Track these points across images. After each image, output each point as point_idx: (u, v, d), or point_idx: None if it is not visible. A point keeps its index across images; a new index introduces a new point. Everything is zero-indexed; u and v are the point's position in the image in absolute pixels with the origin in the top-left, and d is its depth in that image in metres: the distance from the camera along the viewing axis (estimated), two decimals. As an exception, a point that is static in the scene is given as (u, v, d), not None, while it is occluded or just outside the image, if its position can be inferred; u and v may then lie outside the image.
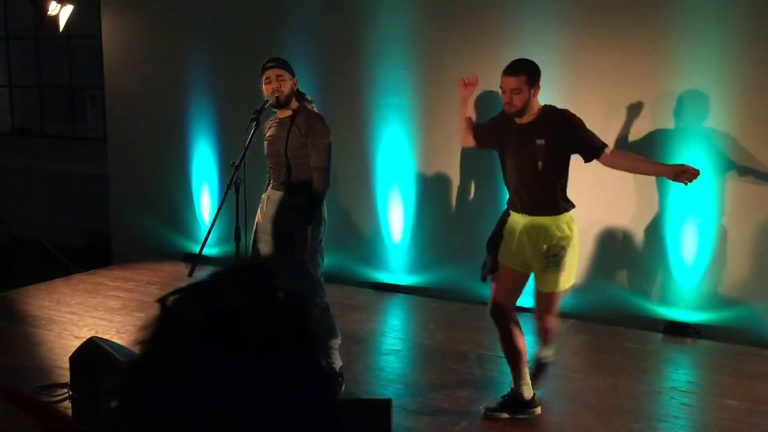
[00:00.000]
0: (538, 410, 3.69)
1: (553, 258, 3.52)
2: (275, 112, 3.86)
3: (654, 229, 5.10)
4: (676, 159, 4.95)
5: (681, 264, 5.04)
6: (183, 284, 0.85)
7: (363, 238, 6.13)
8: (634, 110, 5.03)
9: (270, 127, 3.87)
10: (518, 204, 3.61)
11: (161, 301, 0.84)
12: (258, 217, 3.92)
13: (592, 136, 3.56)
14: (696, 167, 3.43)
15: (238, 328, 0.80)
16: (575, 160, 3.66)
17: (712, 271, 4.95)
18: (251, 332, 0.80)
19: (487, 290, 3.80)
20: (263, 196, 3.93)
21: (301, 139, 3.72)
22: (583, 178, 4.60)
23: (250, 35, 6.36)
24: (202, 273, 0.92)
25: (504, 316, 3.65)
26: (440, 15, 5.66)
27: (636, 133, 5.03)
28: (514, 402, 3.67)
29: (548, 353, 3.89)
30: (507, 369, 3.78)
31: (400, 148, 5.92)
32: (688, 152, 4.91)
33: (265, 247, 3.84)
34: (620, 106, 5.06)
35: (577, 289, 5.28)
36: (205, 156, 6.84)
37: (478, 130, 3.91)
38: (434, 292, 5.81)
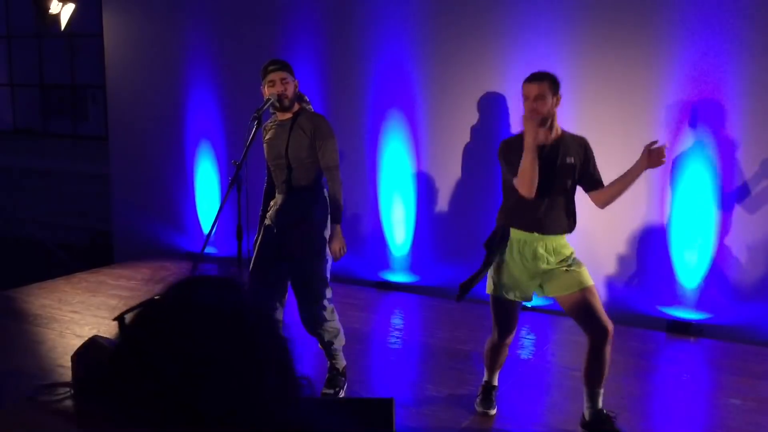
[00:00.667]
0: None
1: (571, 261, 3.50)
2: (274, 114, 3.83)
3: (657, 228, 5.08)
4: (677, 160, 4.95)
5: (684, 262, 5.03)
6: (140, 302, 0.88)
7: (365, 238, 6.12)
8: (639, 120, 5.01)
9: (270, 129, 3.83)
10: (530, 223, 3.45)
11: (119, 319, 0.88)
12: (267, 220, 3.88)
13: (597, 170, 3.52)
14: (656, 144, 3.34)
15: (190, 346, 0.83)
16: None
17: (715, 269, 4.94)
18: (203, 349, 0.83)
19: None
20: (270, 202, 3.90)
21: (306, 140, 3.70)
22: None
23: (253, 34, 6.36)
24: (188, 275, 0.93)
25: (508, 343, 3.69)
26: (444, 15, 5.64)
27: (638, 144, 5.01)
28: (490, 391, 3.82)
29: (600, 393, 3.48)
30: (508, 368, 3.91)
31: (402, 148, 5.91)
32: (689, 153, 4.90)
33: (274, 250, 3.81)
34: (623, 114, 5.04)
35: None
36: (207, 155, 6.84)
37: None
38: (437, 291, 5.81)
